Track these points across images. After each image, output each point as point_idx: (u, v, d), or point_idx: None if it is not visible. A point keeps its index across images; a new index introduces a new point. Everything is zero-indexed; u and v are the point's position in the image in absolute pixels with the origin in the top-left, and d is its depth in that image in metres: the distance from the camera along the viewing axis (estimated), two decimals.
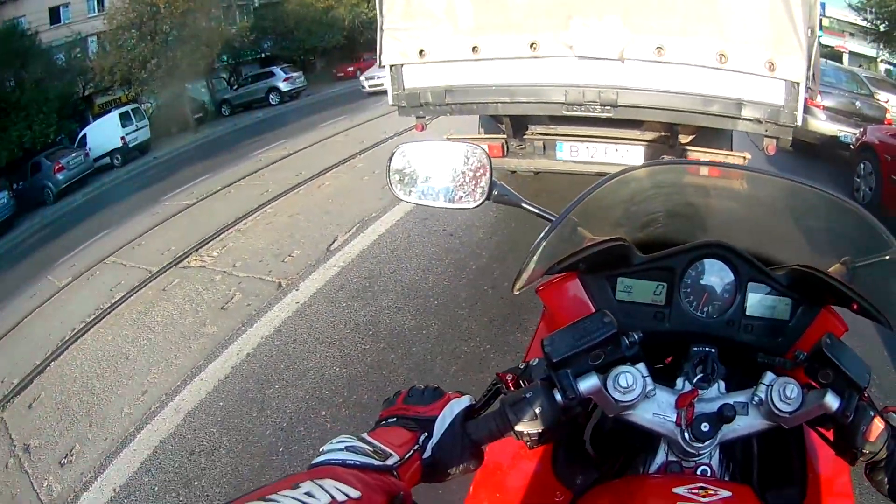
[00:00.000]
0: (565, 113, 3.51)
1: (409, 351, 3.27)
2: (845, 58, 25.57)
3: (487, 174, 1.01)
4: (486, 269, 3.91)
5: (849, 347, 0.77)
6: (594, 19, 3.27)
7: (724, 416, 0.72)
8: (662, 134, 3.95)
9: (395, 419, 0.74)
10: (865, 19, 21.81)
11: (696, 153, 3.85)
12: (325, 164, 7.80)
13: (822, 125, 7.79)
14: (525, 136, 4.11)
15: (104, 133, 17.85)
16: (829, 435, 0.80)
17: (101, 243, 7.43)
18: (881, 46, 22.56)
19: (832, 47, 26.58)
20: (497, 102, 3.60)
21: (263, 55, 24.82)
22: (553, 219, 0.98)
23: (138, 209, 8.60)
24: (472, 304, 3.49)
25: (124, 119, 18.28)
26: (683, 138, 3.99)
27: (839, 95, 8.12)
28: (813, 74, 3.54)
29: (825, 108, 7.84)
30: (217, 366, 3.29)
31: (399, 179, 1.04)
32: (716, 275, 1.00)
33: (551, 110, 3.56)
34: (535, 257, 0.89)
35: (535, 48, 3.34)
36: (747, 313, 0.99)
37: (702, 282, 1.00)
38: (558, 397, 0.72)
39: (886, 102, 9.82)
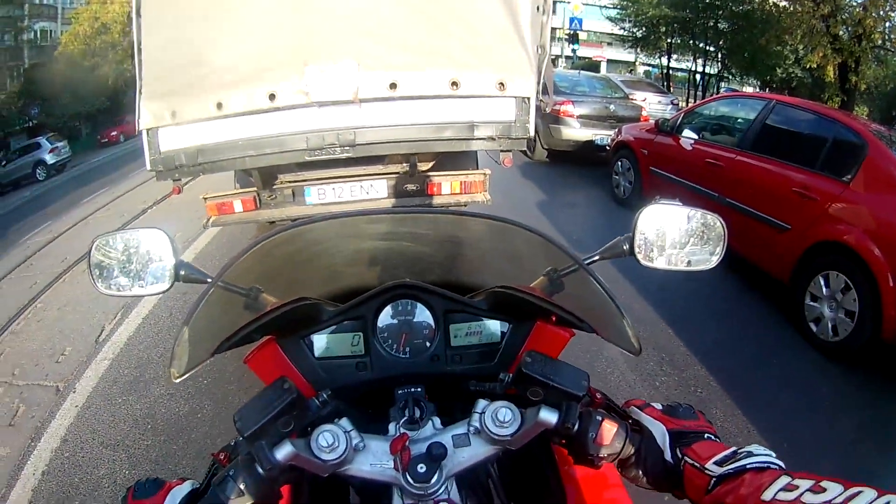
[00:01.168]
0: (308, 158, 3.58)
1: (189, 438, 3.20)
2: (603, 66, 29.50)
3: (171, 256, 1.01)
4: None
5: (553, 360, 0.79)
6: (329, 64, 3.36)
7: (433, 454, 0.72)
8: (403, 164, 4.19)
9: None
10: (623, 28, 24.98)
11: (436, 178, 4.15)
12: (88, 245, 7.37)
13: (576, 132, 8.56)
14: (275, 186, 4.16)
15: None
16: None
17: None
18: (638, 51, 26.11)
19: (590, 58, 30.40)
20: (245, 157, 3.58)
21: (31, 123, 22.82)
22: (243, 291, 0.99)
23: None
24: (239, 376, 3.49)
25: None
26: (424, 165, 4.26)
27: (593, 102, 8.88)
28: (545, 87, 3.96)
29: (578, 117, 8.57)
30: (19, 492, 3.07)
31: (99, 274, 1.03)
32: (410, 314, 1.02)
33: (295, 158, 3.62)
34: (184, 337, 0.87)
35: (273, 99, 3.37)
36: (452, 345, 1.02)
37: (398, 324, 1.02)
38: (260, 470, 0.71)
39: (644, 101, 11.31)
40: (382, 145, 3.62)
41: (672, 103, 13.69)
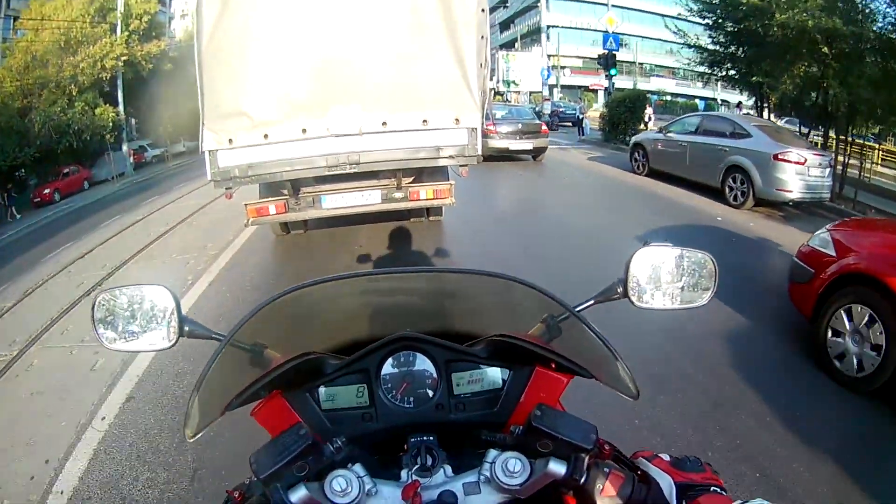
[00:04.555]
0: (327, 174, 5.34)
1: None
2: (600, 94, 31.83)
3: (176, 312, 1.03)
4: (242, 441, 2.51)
5: (563, 413, 0.83)
6: (342, 107, 5.14)
7: (445, 503, 0.77)
8: (392, 179, 5.94)
9: None
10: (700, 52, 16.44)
11: (415, 187, 6.01)
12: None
13: (499, 143, 13.79)
14: (300, 195, 5.90)
15: None
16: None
17: None
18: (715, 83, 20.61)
19: (588, 86, 33.94)
20: (282, 171, 5.29)
21: None
22: (249, 348, 1.05)
23: None
24: None
25: None
26: (407, 179, 6.04)
27: (510, 123, 14.20)
28: (488, 115, 5.86)
29: (499, 133, 13.80)
30: None
31: (103, 330, 1.05)
32: (412, 365, 1.08)
33: (317, 172, 5.36)
34: (197, 396, 0.91)
35: (305, 132, 5.12)
36: (455, 393, 1.07)
37: (401, 374, 1.08)
38: None
39: (804, 164, 8.64)
40: (377, 163, 5.41)
41: (830, 166, 9.48)
